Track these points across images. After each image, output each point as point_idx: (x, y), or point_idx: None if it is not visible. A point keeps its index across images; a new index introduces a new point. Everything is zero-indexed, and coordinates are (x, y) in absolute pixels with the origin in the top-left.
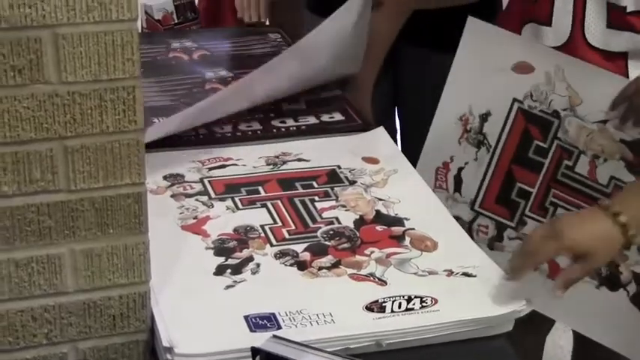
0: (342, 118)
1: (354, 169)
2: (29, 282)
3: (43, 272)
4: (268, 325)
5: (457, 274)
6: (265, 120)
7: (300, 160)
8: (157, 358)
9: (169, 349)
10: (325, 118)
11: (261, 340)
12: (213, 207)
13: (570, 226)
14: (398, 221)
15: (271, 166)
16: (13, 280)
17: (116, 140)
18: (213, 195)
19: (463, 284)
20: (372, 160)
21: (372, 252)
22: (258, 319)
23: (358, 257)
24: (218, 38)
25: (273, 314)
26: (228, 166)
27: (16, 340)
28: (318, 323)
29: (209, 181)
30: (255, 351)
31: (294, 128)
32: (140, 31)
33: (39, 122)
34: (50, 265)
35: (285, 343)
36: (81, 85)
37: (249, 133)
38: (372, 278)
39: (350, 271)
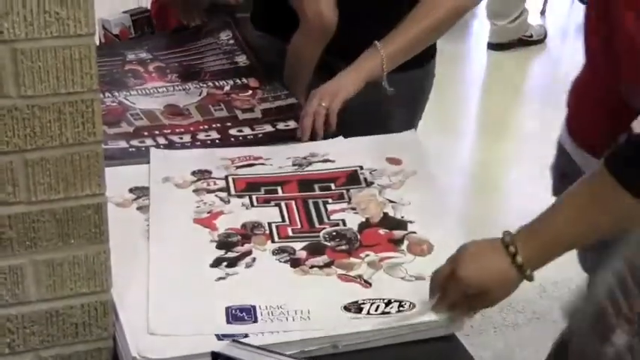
0: (297, 125)
1: (375, 170)
2: None
3: (5, 283)
4: (246, 317)
5: None
6: (223, 129)
7: (326, 160)
8: None
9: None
10: (281, 126)
11: (233, 335)
12: (229, 203)
13: (466, 262)
14: (401, 224)
15: (297, 167)
16: None
17: (76, 152)
18: (233, 192)
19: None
20: (396, 161)
21: (367, 255)
22: (237, 311)
23: (352, 259)
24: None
25: (254, 307)
26: (256, 165)
27: None
28: (294, 319)
29: (233, 179)
30: (215, 355)
31: (251, 137)
32: (97, 44)
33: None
34: (12, 275)
35: (244, 347)
36: (40, 98)
37: (208, 142)
38: (358, 280)
39: (340, 271)
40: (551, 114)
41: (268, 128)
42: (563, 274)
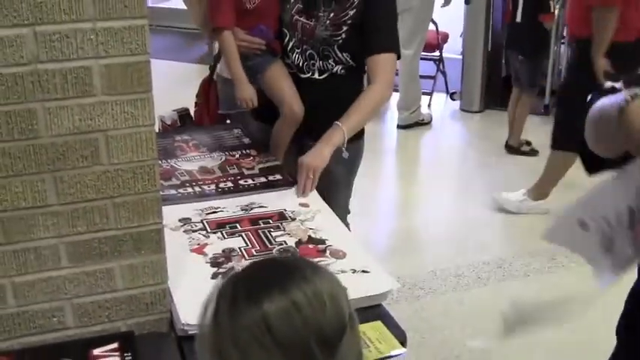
0: (281, 177)
1: (294, 211)
2: (96, 284)
3: (103, 278)
4: None
5: (358, 271)
6: (235, 181)
7: (261, 207)
8: (174, 328)
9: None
10: (271, 178)
11: None
12: (209, 237)
13: None
14: (321, 242)
15: (244, 211)
16: (86, 283)
17: (144, 197)
18: (209, 229)
19: (362, 277)
20: (305, 205)
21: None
22: None
23: None
24: (207, 133)
25: None
26: (218, 212)
27: (90, 319)
28: None
29: (206, 222)
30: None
31: (252, 185)
32: (157, 131)
33: (97, 188)
34: (107, 274)
35: None
36: (122, 164)
37: (226, 189)
38: None
39: None
40: (434, 170)
41: (263, 179)
42: None
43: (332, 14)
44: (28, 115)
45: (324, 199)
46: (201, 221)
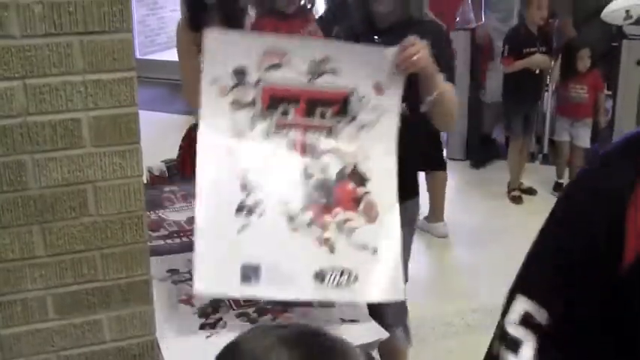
0: None
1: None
2: (83, 336)
3: (90, 330)
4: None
5: (346, 321)
6: None
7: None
8: None
9: None
10: None
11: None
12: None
13: None
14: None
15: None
16: (73, 336)
17: (132, 248)
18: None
19: (351, 327)
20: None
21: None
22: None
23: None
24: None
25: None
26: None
27: None
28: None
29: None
30: None
31: None
32: (145, 182)
33: (86, 240)
34: (94, 326)
35: None
36: (111, 215)
37: None
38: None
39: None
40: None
41: None
42: None
43: None
44: (17, 166)
45: None
46: (189, 272)
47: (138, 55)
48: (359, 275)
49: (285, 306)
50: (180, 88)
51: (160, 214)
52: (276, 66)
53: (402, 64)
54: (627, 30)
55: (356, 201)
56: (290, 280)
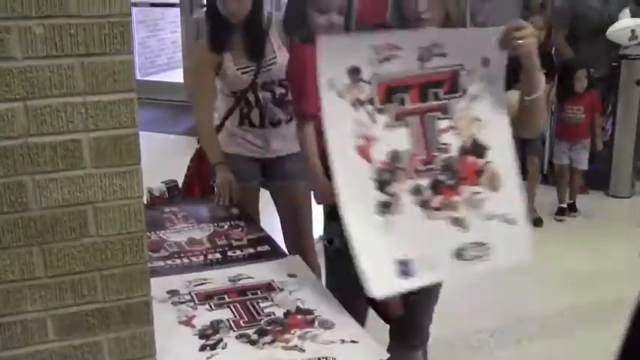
0: (269, 248)
1: (282, 282)
2: (82, 358)
3: (90, 352)
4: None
5: (347, 342)
6: (223, 252)
7: (249, 277)
8: None
9: None
10: (259, 249)
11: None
12: (197, 309)
13: None
14: (310, 312)
15: (232, 282)
16: (73, 357)
17: (132, 269)
18: (197, 301)
19: (351, 347)
20: (293, 275)
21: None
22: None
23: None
24: (196, 205)
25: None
26: (206, 283)
27: None
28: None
29: (194, 293)
30: None
31: (241, 256)
32: (145, 203)
33: (86, 261)
34: (93, 347)
35: None
36: (111, 236)
37: (214, 260)
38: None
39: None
40: None
41: (251, 251)
42: None
43: None
44: (18, 187)
45: None
46: (189, 293)
47: (138, 77)
48: (494, 245)
49: (285, 327)
50: (180, 109)
51: (161, 235)
52: (387, 59)
53: (506, 42)
54: (626, 50)
55: (478, 173)
56: (435, 265)
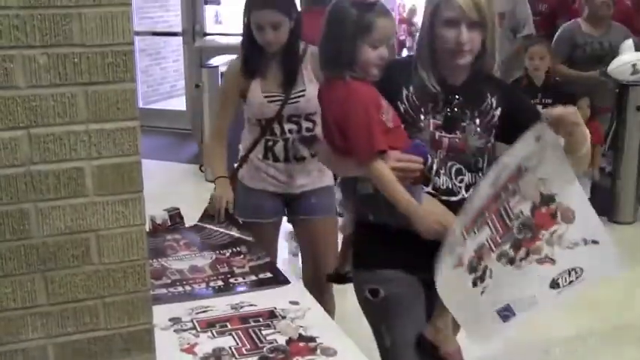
0: (272, 275)
1: (284, 309)
2: None
3: None
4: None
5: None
6: (225, 279)
7: (251, 305)
8: None
9: None
10: (261, 276)
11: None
12: (199, 337)
13: None
14: (312, 339)
15: (234, 310)
16: None
17: (134, 297)
18: (199, 329)
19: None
20: (295, 302)
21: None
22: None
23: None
24: (194, 231)
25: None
26: (208, 311)
27: None
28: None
29: (196, 321)
30: None
31: (243, 283)
32: (147, 230)
33: (88, 288)
34: None
35: None
36: (113, 264)
37: (217, 287)
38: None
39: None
40: None
41: (253, 278)
42: None
43: (478, 120)
44: (20, 215)
45: None
46: (192, 320)
47: (141, 105)
48: (584, 265)
49: (287, 355)
50: (182, 137)
51: (163, 263)
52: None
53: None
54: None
55: (553, 216)
56: (535, 301)
